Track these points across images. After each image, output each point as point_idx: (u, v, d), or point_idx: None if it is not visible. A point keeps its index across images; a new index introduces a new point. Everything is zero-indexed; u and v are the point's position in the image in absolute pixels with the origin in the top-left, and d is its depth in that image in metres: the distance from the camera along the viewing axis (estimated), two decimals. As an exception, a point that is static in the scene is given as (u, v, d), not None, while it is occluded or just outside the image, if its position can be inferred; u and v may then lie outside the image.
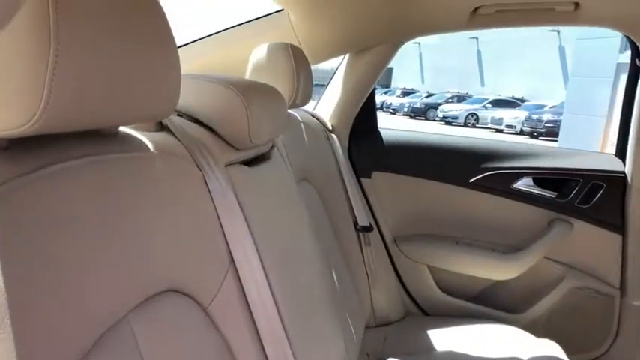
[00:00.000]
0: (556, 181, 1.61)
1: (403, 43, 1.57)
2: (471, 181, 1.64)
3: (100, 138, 0.52)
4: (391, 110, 20.93)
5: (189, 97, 0.77)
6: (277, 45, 1.12)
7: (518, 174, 1.61)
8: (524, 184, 1.62)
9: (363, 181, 1.69)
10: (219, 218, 0.67)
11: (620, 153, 1.58)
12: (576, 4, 1.23)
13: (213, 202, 0.66)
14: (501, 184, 1.62)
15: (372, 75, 1.60)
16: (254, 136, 0.78)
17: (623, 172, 1.54)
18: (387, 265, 1.70)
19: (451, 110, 17.98)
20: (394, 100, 21.74)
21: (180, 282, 0.57)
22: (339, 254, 1.39)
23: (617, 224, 1.55)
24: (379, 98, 22.46)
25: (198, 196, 0.64)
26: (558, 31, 18.47)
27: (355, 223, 1.54)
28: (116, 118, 0.48)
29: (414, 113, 19.47)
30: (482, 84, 22.21)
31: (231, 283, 0.66)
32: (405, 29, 1.50)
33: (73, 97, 0.41)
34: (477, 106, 17.78)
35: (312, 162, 1.34)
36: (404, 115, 19.73)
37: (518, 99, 17.99)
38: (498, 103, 17.47)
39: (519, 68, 19.70)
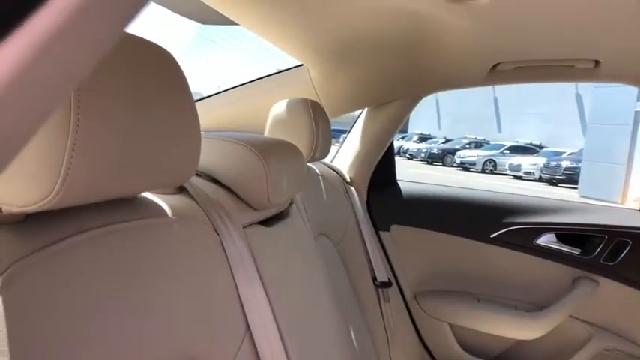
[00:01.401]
0: (580, 237, 1.57)
1: (422, 98, 1.58)
2: (492, 236, 1.60)
3: (117, 204, 0.52)
4: (408, 156, 20.96)
5: (207, 157, 0.77)
6: (297, 100, 1.14)
7: (541, 229, 1.58)
8: (547, 240, 1.58)
9: (382, 234, 1.67)
10: (235, 284, 0.65)
11: (646, 208, 1.55)
12: (596, 62, 1.23)
13: (230, 268, 0.65)
14: (523, 240, 1.59)
15: (391, 128, 1.61)
16: (273, 197, 0.78)
17: None
18: (407, 322, 1.65)
19: (469, 156, 17.94)
20: (411, 145, 21.81)
21: (193, 351, 0.56)
22: (358, 311, 1.35)
23: None
24: (396, 144, 22.58)
25: (215, 261, 0.63)
26: (575, 79, 18.52)
27: (374, 279, 1.51)
28: (136, 186, 0.48)
29: (431, 159, 19.46)
30: (500, 130, 22.22)
31: (247, 351, 0.64)
32: (423, 85, 1.51)
33: (93, 170, 0.41)
34: (494, 152, 17.72)
35: (331, 216, 1.33)
36: (421, 160, 19.74)
37: (536, 146, 17.90)
38: (516, 150, 17.39)
39: (536, 115, 19.72)
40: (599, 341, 1.53)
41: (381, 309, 1.51)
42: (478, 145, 19.66)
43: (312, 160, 1.18)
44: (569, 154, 14.50)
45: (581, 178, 10.77)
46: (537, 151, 16.92)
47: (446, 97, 25.19)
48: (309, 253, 0.97)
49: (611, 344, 1.53)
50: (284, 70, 1.48)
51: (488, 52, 1.24)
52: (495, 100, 22.73)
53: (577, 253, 1.56)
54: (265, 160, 0.75)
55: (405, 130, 26.85)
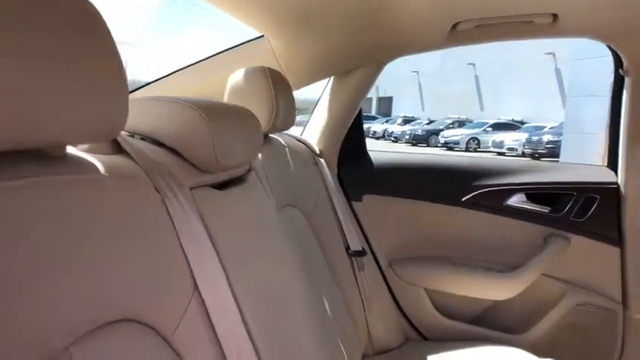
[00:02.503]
0: (549, 195, 1.59)
1: (386, 64, 1.57)
2: (463, 199, 1.61)
3: (45, 159, 0.50)
4: (393, 138, 21.02)
5: (150, 119, 0.76)
6: (254, 68, 1.12)
7: (511, 190, 1.59)
8: (517, 200, 1.59)
9: (355, 204, 1.67)
10: (181, 244, 0.64)
11: (612, 164, 1.56)
12: (555, 15, 1.23)
13: (174, 226, 0.64)
14: (494, 201, 1.60)
15: (357, 97, 1.60)
16: (222, 157, 0.76)
17: (616, 183, 1.52)
18: (383, 290, 1.66)
19: (452, 136, 18.05)
20: (395, 128, 21.86)
21: (136, 310, 0.55)
22: (331, 281, 1.35)
23: (615, 236, 1.51)
24: (380, 127, 22.62)
25: (156, 220, 0.62)
26: (554, 54, 18.67)
27: (347, 248, 1.51)
28: (57, 135, 0.46)
29: (416, 140, 19.53)
30: (482, 108, 22.35)
31: (195, 312, 0.63)
32: (386, 50, 1.50)
33: (6, 113, 0.39)
34: (477, 130, 17.84)
35: (299, 187, 1.32)
36: (406, 142, 19.80)
37: (517, 122, 18.04)
38: (499, 127, 17.52)
39: (517, 92, 19.86)
40: (573, 297, 1.55)
41: (356, 278, 1.52)
42: (461, 124, 19.77)
43: (275, 129, 1.17)
44: (551, 128, 14.63)
45: (563, 151, 10.88)
46: (519, 127, 17.06)
47: (428, 78, 25.24)
48: (269, 221, 0.96)
49: (584, 299, 1.55)
50: (244, 43, 1.46)
51: (447, 12, 1.23)
52: (476, 78, 22.83)
53: (547, 211, 1.58)
54: (209, 118, 0.74)
55: (388, 114, 26.91)
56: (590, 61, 9.94)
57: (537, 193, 1.59)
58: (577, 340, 1.57)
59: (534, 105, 18.85)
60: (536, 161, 1.65)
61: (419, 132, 19.87)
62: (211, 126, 0.73)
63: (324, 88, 1.65)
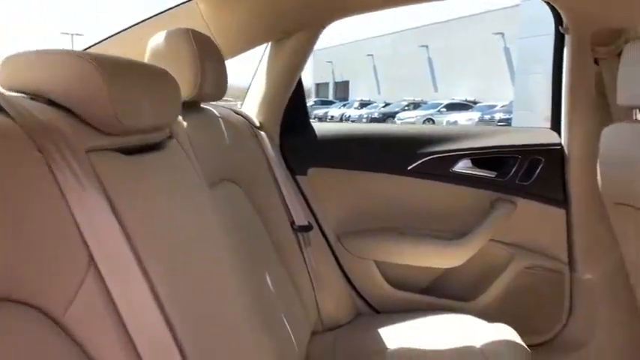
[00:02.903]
0: (495, 160, 1.57)
1: (324, 28, 1.50)
2: (409, 168, 1.57)
3: None
4: (350, 122, 21.09)
5: (39, 74, 0.66)
6: (176, 30, 1.03)
7: (457, 156, 1.56)
8: (463, 167, 1.57)
9: (299, 178, 1.60)
10: (72, 213, 0.55)
11: (556, 125, 1.55)
12: None
13: (62, 194, 0.55)
14: (440, 169, 1.56)
15: (296, 63, 1.52)
16: (124, 117, 0.67)
17: (560, 145, 1.51)
18: (332, 265, 1.61)
19: (408, 117, 18.27)
20: (352, 112, 21.91)
21: (16, 290, 0.46)
22: (275, 258, 1.29)
23: (560, 198, 1.51)
24: (338, 111, 22.63)
25: (39, 186, 0.53)
26: (503, 34, 19.09)
27: (292, 224, 1.44)
28: None
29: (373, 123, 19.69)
30: (436, 90, 22.70)
31: (92, 292, 0.55)
32: (322, 13, 1.43)
33: None
34: (432, 111, 18.13)
35: (237, 161, 1.24)
36: (362, 126, 19.87)
37: (470, 101, 18.43)
38: (452, 107, 17.85)
39: (469, 72, 20.25)
40: (521, 261, 1.55)
41: (302, 254, 1.46)
42: (416, 105, 20.03)
43: (203, 98, 1.09)
44: (502, 106, 15.03)
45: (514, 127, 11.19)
46: (472, 107, 17.44)
47: (383, 61, 25.39)
48: (194, 195, 0.88)
49: (532, 262, 1.55)
50: (171, 8, 1.36)
51: None
52: (430, 60, 23.13)
53: (493, 176, 1.56)
54: (105, 70, 0.64)
55: (345, 98, 26.94)
56: (536, 39, 10.18)
57: (483, 158, 1.57)
58: (526, 304, 1.57)
59: (486, 84, 19.28)
60: (480, 126, 1.64)
61: (375, 115, 20.02)
62: (108, 80, 0.64)
63: (262, 55, 1.57)
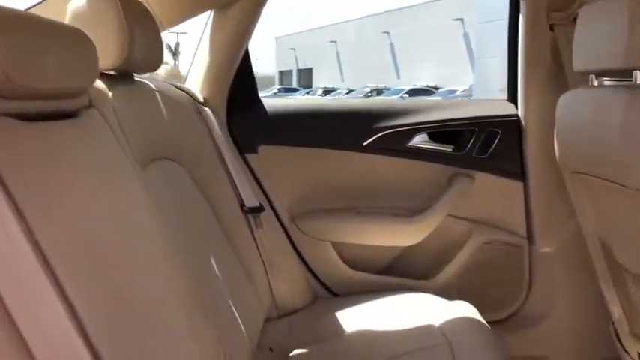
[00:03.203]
0: (451, 133, 1.52)
1: None
2: (364, 144, 1.51)
3: None
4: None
5: None
6: None
7: (412, 130, 1.50)
8: (419, 141, 1.51)
9: (249, 157, 1.51)
10: None
11: (512, 96, 1.52)
12: None
13: None
14: (396, 144, 1.50)
15: (242, 33, 1.42)
16: (17, 75, 0.57)
17: (517, 116, 1.47)
18: (287, 247, 1.54)
19: (371, 104, 18.30)
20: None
21: None
22: (224, 242, 1.21)
23: (517, 171, 1.48)
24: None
25: None
26: (462, 19, 19.31)
27: (242, 205, 1.36)
28: None
29: (337, 110, 19.61)
30: (398, 76, 22.80)
31: None
32: None
33: None
34: (394, 97, 18.18)
35: (177, 138, 1.15)
36: (327, 113, 19.80)
37: (432, 87, 18.59)
38: (414, 92, 17.92)
39: (430, 58, 20.41)
40: (479, 236, 1.51)
41: (254, 237, 1.38)
42: (379, 92, 20.05)
43: (133, 67, 0.99)
44: (462, 91, 15.19)
45: (474, 111, 11.35)
46: (434, 92, 17.57)
47: (346, 48, 25.33)
48: (118, 172, 0.77)
49: (491, 237, 1.51)
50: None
51: None
52: (392, 46, 23.20)
53: (450, 150, 1.51)
54: None
55: (309, 85, 26.78)
56: (494, 24, 10.30)
57: (439, 131, 1.52)
58: (486, 280, 1.54)
59: (447, 70, 19.47)
60: (436, 99, 1.58)
61: (339, 102, 19.96)
62: None
63: (204, 26, 1.46)
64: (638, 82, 0.97)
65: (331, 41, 26.42)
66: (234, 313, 1.08)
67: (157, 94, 1.12)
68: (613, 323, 1.31)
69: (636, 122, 0.92)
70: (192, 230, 1.07)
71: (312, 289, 1.56)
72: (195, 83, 1.46)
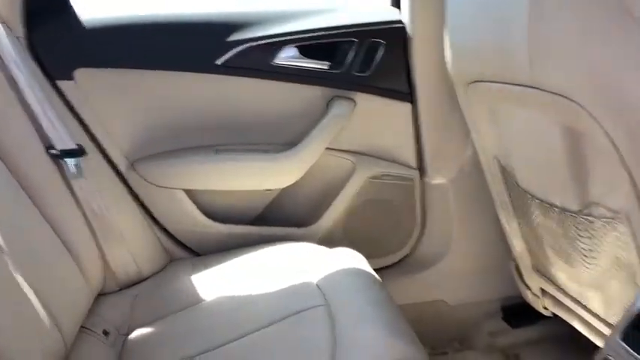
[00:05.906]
0: (327, 47, 1.23)
1: None
2: (218, 62, 1.17)
3: None
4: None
5: None
6: None
7: (278, 43, 1.19)
8: (288, 57, 1.21)
9: (62, 84, 1.12)
10: None
11: (396, 1, 1.25)
12: None
13: None
14: (259, 62, 1.19)
15: None
16: None
17: (402, 22, 1.21)
18: (126, 201, 1.20)
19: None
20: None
21: None
22: (20, 202, 0.88)
23: (405, 90, 1.24)
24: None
25: None
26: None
27: (49, 148, 0.99)
28: None
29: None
30: None
31: None
32: None
33: None
34: None
35: None
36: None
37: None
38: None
39: None
40: (364, 170, 1.28)
41: (71, 190, 1.03)
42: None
43: None
44: None
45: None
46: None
47: None
48: None
49: (377, 170, 1.28)
50: None
51: None
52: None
53: (326, 67, 1.22)
54: None
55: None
56: None
57: (311, 44, 1.22)
58: (375, 220, 1.32)
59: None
60: (307, 9, 1.26)
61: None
62: None
63: None
64: None
65: None
66: (33, 297, 0.77)
67: None
68: (514, 259, 1.15)
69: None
70: None
71: (164, 249, 1.25)
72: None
